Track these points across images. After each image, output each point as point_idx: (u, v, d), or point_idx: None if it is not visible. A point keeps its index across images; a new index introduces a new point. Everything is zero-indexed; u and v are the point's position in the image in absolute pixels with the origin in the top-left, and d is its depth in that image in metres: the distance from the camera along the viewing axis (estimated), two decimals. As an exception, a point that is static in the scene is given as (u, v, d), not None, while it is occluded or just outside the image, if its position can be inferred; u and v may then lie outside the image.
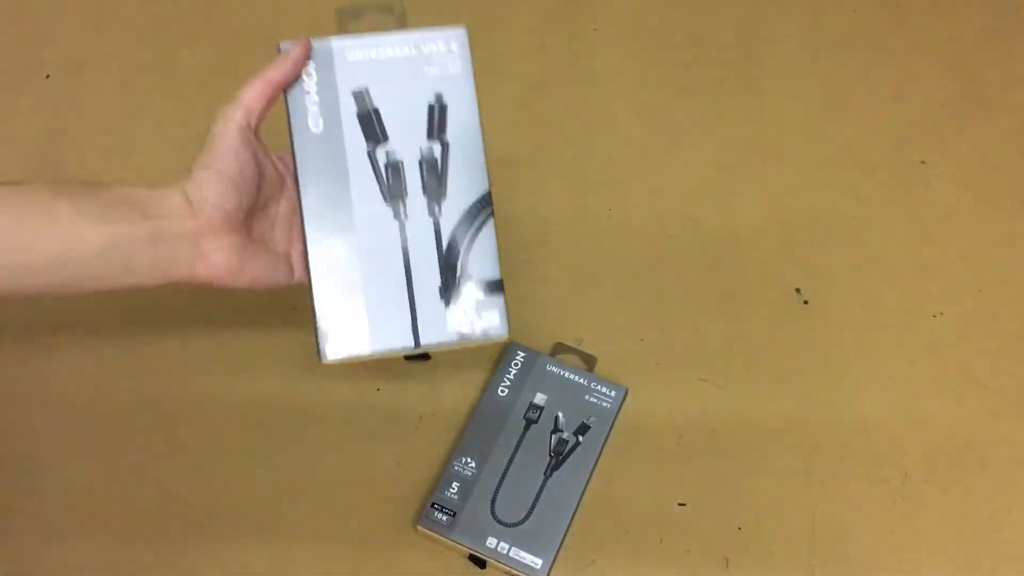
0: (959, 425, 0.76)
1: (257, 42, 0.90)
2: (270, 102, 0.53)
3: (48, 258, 0.47)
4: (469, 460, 0.71)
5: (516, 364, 0.75)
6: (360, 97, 0.56)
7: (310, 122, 0.55)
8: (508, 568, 0.67)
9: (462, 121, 0.56)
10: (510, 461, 0.71)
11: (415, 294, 0.55)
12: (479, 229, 0.56)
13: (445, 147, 0.56)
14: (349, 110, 0.55)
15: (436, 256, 0.56)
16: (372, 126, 0.56)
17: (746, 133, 0.89)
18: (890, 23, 0.95)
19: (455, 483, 0.70)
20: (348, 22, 0.58)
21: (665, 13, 0.95)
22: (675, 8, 0.95)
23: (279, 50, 0.55)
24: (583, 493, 0.70)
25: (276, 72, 0.53)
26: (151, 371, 0.76)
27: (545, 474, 0.71)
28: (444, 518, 0.69)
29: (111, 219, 0.48)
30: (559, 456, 0.72)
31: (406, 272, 0.55)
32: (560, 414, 0.73)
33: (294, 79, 0.54)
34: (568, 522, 0.69)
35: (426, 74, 0.56)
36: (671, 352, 0.78)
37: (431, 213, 0.56)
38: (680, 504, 0.72)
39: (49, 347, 0.75)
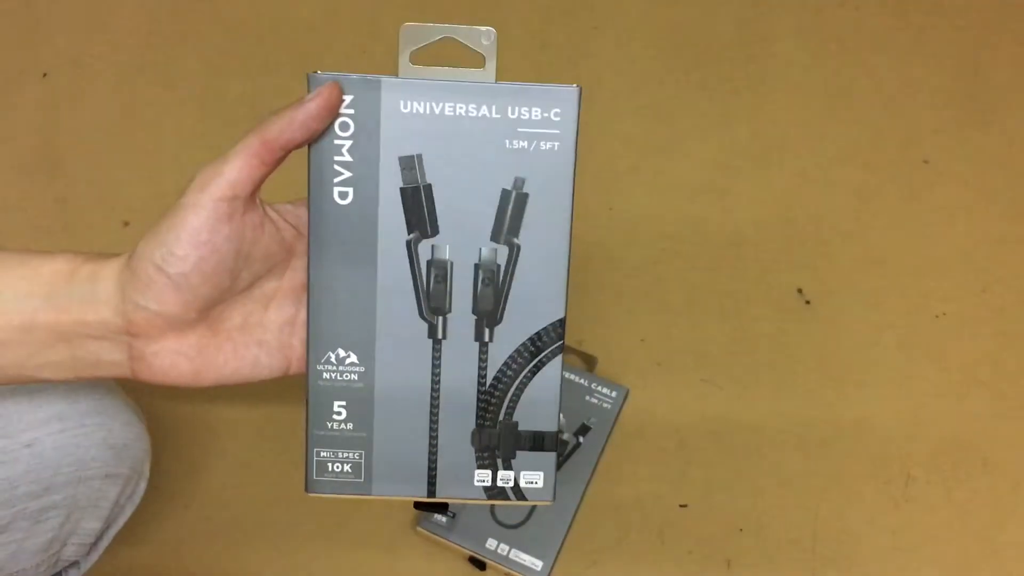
0: (962, 426, 0.75)
1: (257, 41, 0.89)
2: (271, 166, 0.39)
3: None
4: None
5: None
6: (410, 165, 0.41)
7: (336, 191, 0.41)
8: (508, 570, 0.67)
9: (546, 220, 0.42)
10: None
11: (439, 434, 0.43)
12: (540, 367, 0.43)
13: (514, 252, 0.42)
14: (392, 180, 0.41)
15: (475, 392, 0.43)
16: (420, 208, 0.41)
17: (747, 133, 0.89)
18: (892, 23, 0.95)
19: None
20: (411, 46, 0.42)
21: (666, 13, 0.95)
22: (676, 8, 0.95)
23: (308, 85, 0.40)
24: (584, 494, 0.70)
25: (281, 129, 0.38)
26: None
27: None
28: (444, 520, 0.68)
29: (7, 308, 0.39)
30: (559, 457, 0.71)
31: (431, 407, 0.43)
32: (560, 415, 0.73)
33: (308, 139, 0.40)
34: (568, 523, 0.69)
35: (508, 148, 0.41)
36: (672, 352, 0.78)
37: (479, 337, 0.42)
38: (682, 505, 0.72)
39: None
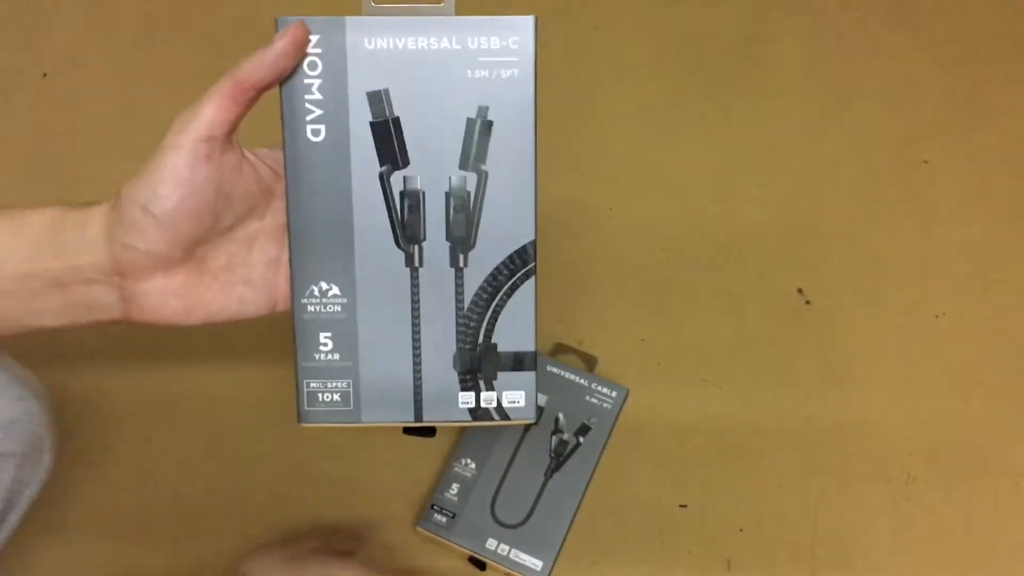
0: (962, 426, 0.75)
1: (257, 41, 0.89)
2: (244, 107, 0.41)
3: None
4: (469, 461, 0.71)
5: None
6: (377, 100, 0.42)
7: (308, 128, 0.42)
8: (508, 570, 0.67)
9: (511, 145, 0.43)
10: (510, 462, 0.71)
11: (422, 360, 0.44)
12: (514, 288, 0.44)
13: (483, 178, 0.43)
14: (361, 116, 0.42)
15: (454, 316, 0.44)
16: (389, 141, 0.42)
17: (747, 133, 0.89)
18: (892, 23, 0.95)
19: (455, 484, 0.70)
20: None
21: (666, 12, 0.95)
22: (676, 7, 0.95)
23: (276, 27, 0.42)
24: (583, 494, 0.70)
25: (252, 69, 0.40)
26: (151, 371, 0.75)
27: (545, 475, 0.70)
28: (444, 519, 0.68)
29: (0, 261, 0.40)
30: (559, 457, 0.71)
31: (413, 332, 0.44)
32: (560, 415, 0.73)
33: (278, 78, 0.41)
34: (569, 523, 0.69)
35: (470, 77, 0.42)
36: (672, 352, 0.78)
37: (454, 263, 0.43)
38: (682, 505, 0.72)
39: (48, 346, 0.75)
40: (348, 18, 0.42)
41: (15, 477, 0.54)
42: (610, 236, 0.83)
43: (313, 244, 0.43)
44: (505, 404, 0.45)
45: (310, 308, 0.43)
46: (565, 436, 0.72)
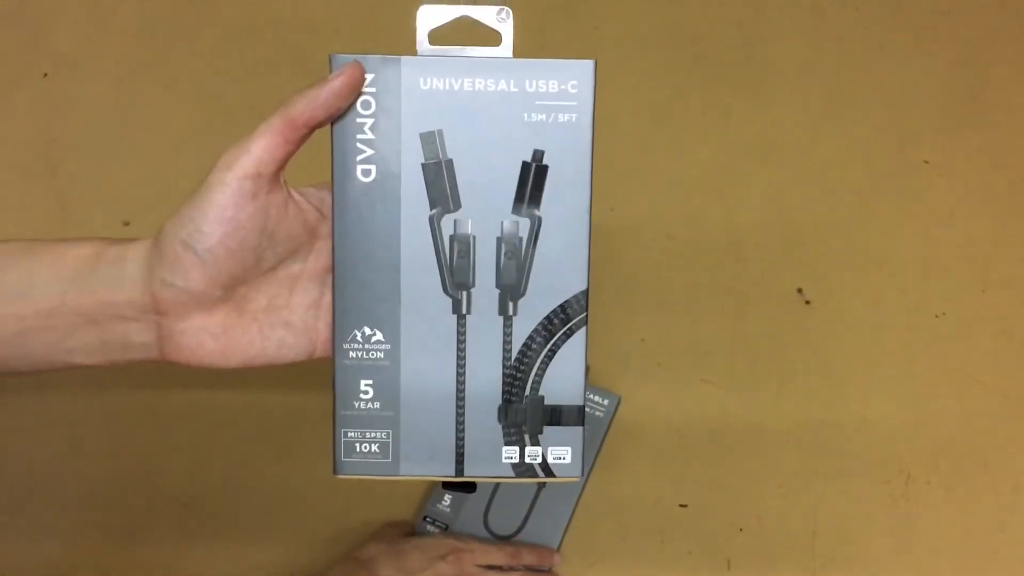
0: (962, 426, 0.75)
1: (257, 40, 0.89)
2: (295, 145, 0.40)
3: None
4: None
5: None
6: (430, 141, 0.41)
7: (359, 168, 0.41)
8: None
9: (566, 191, 0.42)
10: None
11: (466, 411, 0.42)
12: (564, 339, 0.43)
13: (535, 225, 0.42)
14: (414, 157, 0.41)
15: (500, 367, 0.42)
16: (441, 183, 0.42)
17: (747, 132, 0.89)
18: (892, 23, 0.95)
19: (447, 496, 0.69)
20: (428, 27, 0.42)
21: (666, 12, 0.95)
22: (676, 7, 0.95)
23: (330, 65, 0.41)
24: (576, 504, 0.70)
25: (305, 106, 0.40)
26: (151, 371, 0.75)
27: (538, 485, 0.69)
28: (436, 531, 0.68)
29: (34, 294, 0.39)
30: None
31: (457, 384, 0.42)
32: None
33: (331, 117, 0.41)
34: (562, 533, 0.69)
35: (526, 120, 0.42)
36: (672, 352, 0.78)
37: (503, 311, 0.42)
38: (681, 505, 0.72)
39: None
40: (404, 58, 0.42)
41: None
42: (610, 236, 0.83)
43: (358, 287, 0.42)
44: (551, 460, 0.43)
45: (352, 354, 0.42)
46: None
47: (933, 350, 0.78)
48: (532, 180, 0.42)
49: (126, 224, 0.79)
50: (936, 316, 0.80)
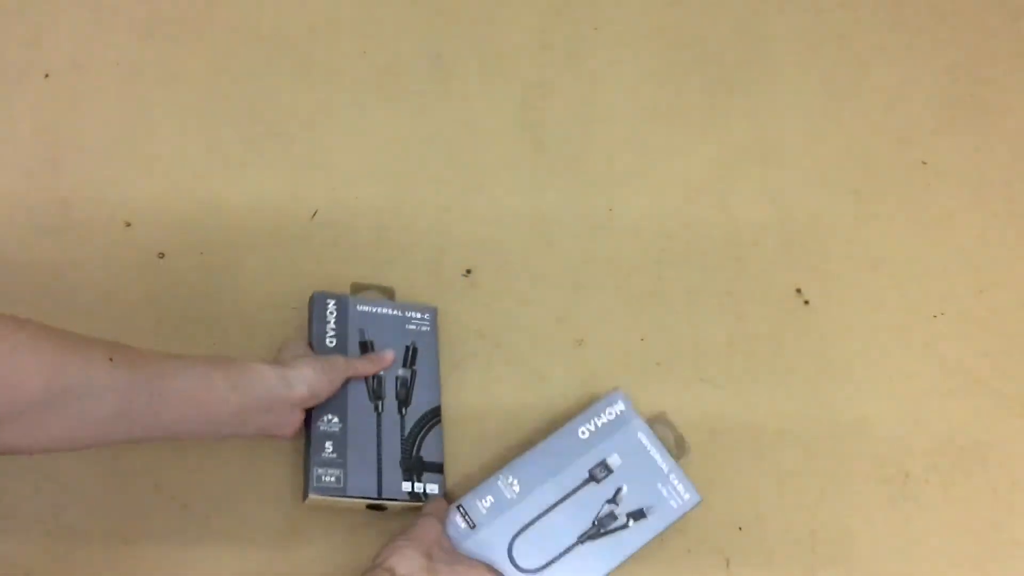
0: (960, 425, 0.76)
1: (257, 41, 0.90)
2: (355, 378, 0.71)
3: (205, 415, 0.60)
4: (514, 481, 0.68)
5: (610, 414, 0.71)
6: (362, 332, 0.74)
7: (327, 340, 0.73)
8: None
9: (427, 360, 0.75)
10: (552, 506, 0.67)
11: (383, 462, 0.69)
12: (431, 428, 0.72)
13: (413, 374, 0.73)
14: (355, 338, 0.74)
15: (399, 440, 0.70)
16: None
17: (746, 133, 0.89)
18: (891, 23, 0.95)
19: (490, 497, 0.67)
20: (360, 290, 0.78)
21: (665, 13, 0.95)
22: (675, 8, 0.95)
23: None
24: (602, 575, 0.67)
25: (368, 367, 0.71)
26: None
27: (580, 538, 0.66)
28: (464, 526, 0.66)
29: (245, 390, 0.62)
30: (601, 528, 0.67)
31: (377, 448, 0.69)
32: (624, 487, 0.68)
33: (376, 373, 0.72)
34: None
35: (405, 328, 0.75)
36: (671, 352, 0.78)
37: (399, 412, 0.72)
38: (681, 504, 0.72)
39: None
40: (351, 297, 0.76)
41: None
42: (610, 236, 0.84)
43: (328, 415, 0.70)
44: (427, 490, 0.69)
45: (321, 428, 0.69)
46: (617, 511, 0.67)
47: (931, 350, 0.79)
48: (411, 354, 0.75)
49: (128, 225, 0.80)
50: (934, 316, 0.80)
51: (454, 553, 0.65)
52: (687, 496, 0.68)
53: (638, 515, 0.68)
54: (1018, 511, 0.72)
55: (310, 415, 0.69)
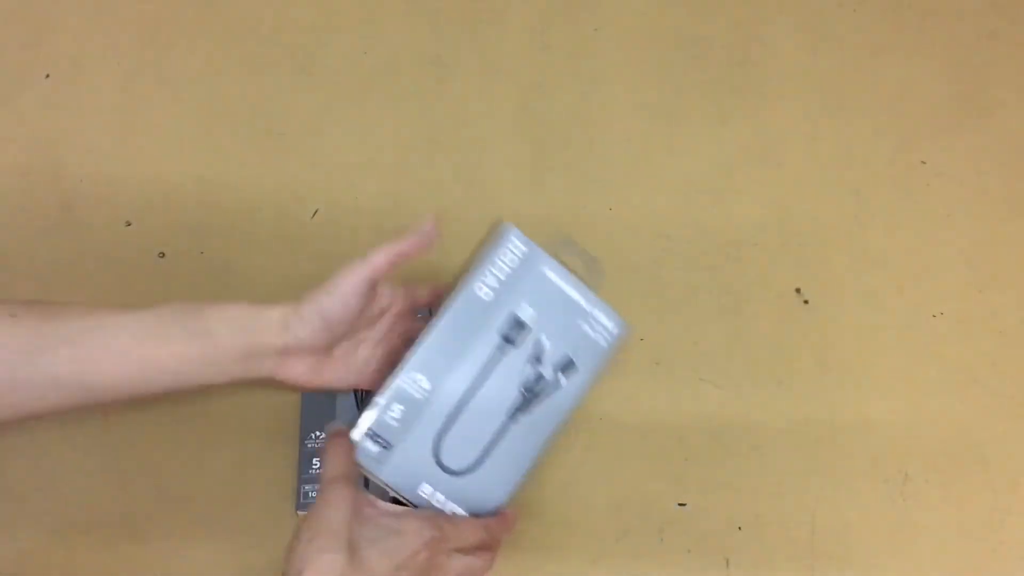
0: (960, 425, 0.76)
1: (257, 41, 0.90)
2: (395, 267, 0.57)
3: (160, 371, 0.56)
4: (420, 377, 0.56)
5: (508, 258, 0.59)
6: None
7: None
8: None
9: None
10: (472, 388, 0.57)
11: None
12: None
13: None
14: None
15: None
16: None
17: (746, 133, 0.89)
18: (891, 23, 0.95)
19: (397, 405, 0.56)
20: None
21: (665, 13, 0.95)
22: (675, 8, 0.95)
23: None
24: (543, 449, 0.58)
25: (407, 245, 0.58)
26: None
27: (509, 415, 0.57)
28: (377, 450, 0.55)
29: (213, 337, 0.56)
30: (531, 395, 0.58)
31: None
32: (545, 338, 0.58)
33: (419, 253, 0.58)
34: (518, 483, 0.57)
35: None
36: (671, 352, 0.78)
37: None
38: (680, 504, 0.72)
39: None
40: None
41: None
42: (610, 236, 0.84)
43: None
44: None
45: (308, 444, 0.67)
46: (544, 371, 0.58)
47: (931, 350, 0.79)
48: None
49: (128, 225, 0.80)
50: (934, 316, 0.80)
51: (380, 518, 0.52)
52: (614, 328, 0.60)
53: (567, 366, 0.59)
54: (1018, 511, 0.73)
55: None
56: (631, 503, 0.72)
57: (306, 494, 0.67)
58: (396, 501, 0.57)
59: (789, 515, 0.72)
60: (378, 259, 0.56)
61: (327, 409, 0.71)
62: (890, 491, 0.73)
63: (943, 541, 0.71)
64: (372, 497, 0.54)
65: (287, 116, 0.86)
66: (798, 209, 0.85)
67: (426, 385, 0.57)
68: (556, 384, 0.59)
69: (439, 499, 0.57)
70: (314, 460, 0.67)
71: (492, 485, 0.57)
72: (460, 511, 0.57)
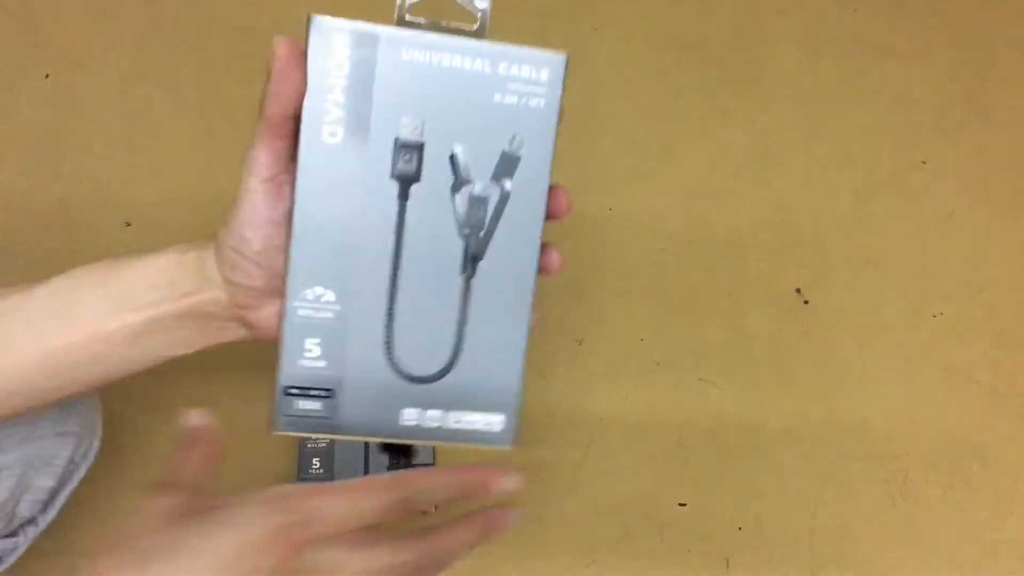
0: (959, 425, 0.76)
1: (257, 41, 0.90)
2: (288, 137, 0.40)
3: (73, 361, 0.44)
4: (321, 291, 0.41)
5: (339, 63, 0.39)
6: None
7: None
8: (452, 444, 0.43)
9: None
10: (395, 268, 0.40)
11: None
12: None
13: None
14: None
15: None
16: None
17: (746, 133, 0.89)
18: (891, 24, 0.95)
19: (308, 339, 0.41)
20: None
21: (665, 13, 0.95)
22: (675, 8, 0.95)
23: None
24: (534, 281, 0.43)
25: (271, 105, 0.39)
26: (151, 371, 0.75)
27: (463, 271, 0.41)
28: (315, 403, 0.41)
29: (140, 305, 0.43)
30: (478, 230, 0.41)
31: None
32: (458, 148, 0.40)
33: (297, 98, 0.39)
34: (523, 345, 0.42)
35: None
36: (671, 352, 0.78)
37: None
38: (680, 504, 0.72)
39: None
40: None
41: (71, 456, 0.59)
42: (610, 236, 0.84)
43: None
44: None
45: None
46: (478, 187, 0.41)
47: (931, 350, 0.79)
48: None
49: (128, 224, 0.80)
50: (933, 316, 0.80)
51: (205, 513, 0.38)
52: (543, 73, 0.41)
53: (505, 165, 0.42)
54: (1017, 511, 0.72)
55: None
56: (631, 503, 0.72)
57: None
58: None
59: (789, 515, 0.72)
60: (260, 152, 0.40)
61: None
62: (890, 491, 0.73)
63: (943, 540, 0.71)
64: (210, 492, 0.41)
65: (287, 116, 0.86)
66: (798, 209, 0.85)
67: (330, 297, 0.41)
68: (504, 197, 0.42)
69: (433, 417, 0.42)
70: (314, 460, 0.66)
71: (492, 366, 0.42)
72: (473, 416, 0.42)
